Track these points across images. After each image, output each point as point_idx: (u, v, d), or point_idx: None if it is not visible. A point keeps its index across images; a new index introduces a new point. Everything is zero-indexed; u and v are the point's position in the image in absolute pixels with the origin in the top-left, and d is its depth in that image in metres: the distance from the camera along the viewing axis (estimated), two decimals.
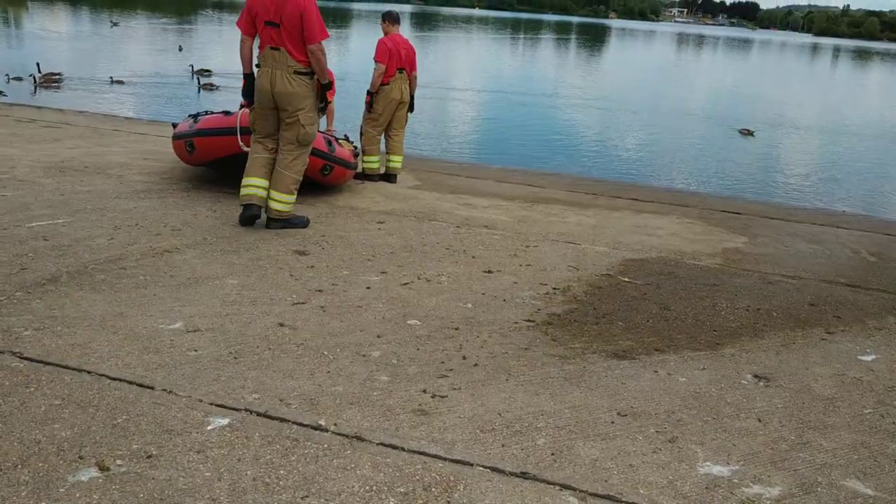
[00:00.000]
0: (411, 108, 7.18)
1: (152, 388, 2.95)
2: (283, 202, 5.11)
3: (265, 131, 5.00)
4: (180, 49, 22.76)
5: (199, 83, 15.59)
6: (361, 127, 7.15)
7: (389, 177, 7.21)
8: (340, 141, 6.54)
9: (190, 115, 6.35)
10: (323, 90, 4.90)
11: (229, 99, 12.95)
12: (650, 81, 25.95)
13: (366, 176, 7.10)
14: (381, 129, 7.13)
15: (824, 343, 3.92)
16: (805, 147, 13.59)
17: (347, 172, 6.33)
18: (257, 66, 4.87)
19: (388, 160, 7.20)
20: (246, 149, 5.45)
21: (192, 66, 17.32)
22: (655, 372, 3.46)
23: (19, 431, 2.59)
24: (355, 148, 6.80)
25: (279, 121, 4.95)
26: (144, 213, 5.38)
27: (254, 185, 4.99)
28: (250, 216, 4.98)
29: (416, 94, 7.25)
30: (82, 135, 8.32)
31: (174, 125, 6.52)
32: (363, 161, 7.16)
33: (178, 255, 4.52)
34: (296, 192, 5.17)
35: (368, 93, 6.95)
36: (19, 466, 2.41)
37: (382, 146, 7.23)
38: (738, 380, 3.42)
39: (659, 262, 5.16)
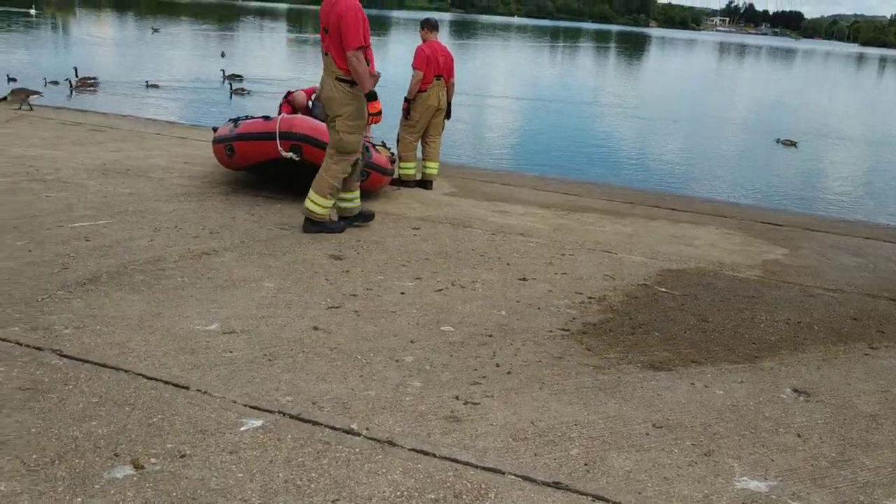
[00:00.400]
0: (448, 115, 7.22)
1: (187, 388, 2.97)
2: (318, 204, 5.20)
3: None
4: (223, 55, 23.01)
5: (230, 88, 15.74)
6: (398, 133, 7.20)
7: (425, 183, 7.26)
8: (377, 147, 6.59)
9: (230, 120, 6.42)
10: (367, 99, 4.98)
11: (260, 105, 13.15)
12: (690, 91, 25.63)
13: (402, 182, 7.14)
14: (418, 135, 7.19)
15: (868, 358, 3.85)
16: (849, 159, 13.34)
17: (384, 179, 6.38)
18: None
19: (425, 166, 7.25)
20: (286, 154, 5.62)
21: (224, 72, 17.42)
22: (692, 384, 3.43)
23: (57, 428, 2.62)
24: (392, 154, 6.83)
25: None
26: (184, 215, 5.43)
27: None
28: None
29: (454, 101, 7.32)
30: (125, 138, 8.46)
31: (214, 129, 6.63)
32: (399, 167, 7.17)
33: (215, 257, 4.57)
34: (332, 198, 5.24)
35: (406, 99, 7.02)
36: (56, 462, 2.43)
37: (419, 153, 7.29)
38: (778, 394, 3.36)
39: (697, 273, 5.12)
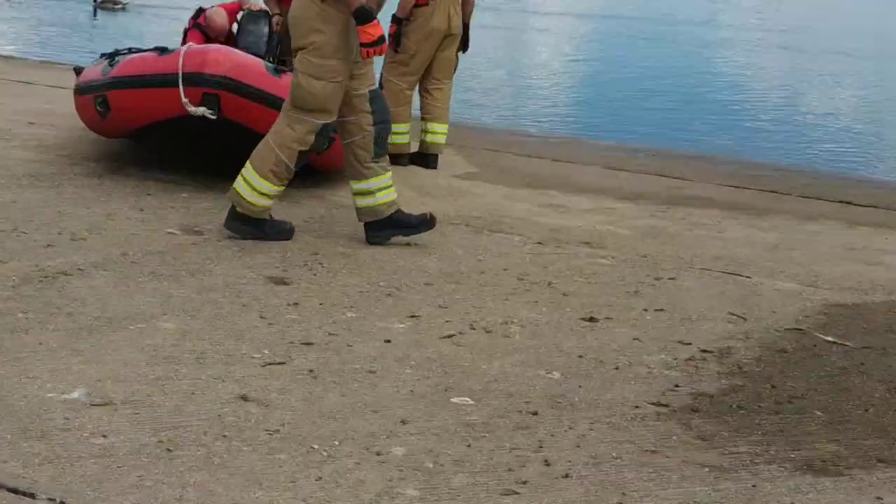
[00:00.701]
0: (464, 46, 7.54)
1: (33, 495, 2.99)
2: (253, 189, 5.51)
3: None
4: None
5: (94, 1, 16.26)
6: (381, 76, 7.37)
7: (426, 158, 7.65)
8: None
9: (103, 56, 6.66)
10: (358, 22, 5.26)
11: (149, 29, 13.96)
12: (874, 7, 24.94)
13: (389, 156, 7.09)
14: (414, 79, 7.50)
15: None
16: None
17: None
18: None
19: (426, 131, 7.59)
20: (194, 110, 5.97)
21: None
22: (878, 499, 3.47)
23: None
24: None
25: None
26: (29, 211, 5.63)
27: None
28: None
29: (473, 21, 7.58)
30: None
31: (77, 71, 6.88)
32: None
33: (79, 279, 4.69)
34: (280, 183, 5.54)
35: (394, 19, 7.31)
36: None
37: (415, 108, 7.64)
38: None
39: (886, 311, 5.23)
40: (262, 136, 5.56)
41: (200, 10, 7.49)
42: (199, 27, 7.39)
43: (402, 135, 7.65)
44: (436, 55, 7.56)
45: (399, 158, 7.47)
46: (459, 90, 9.38)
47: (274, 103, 5.82)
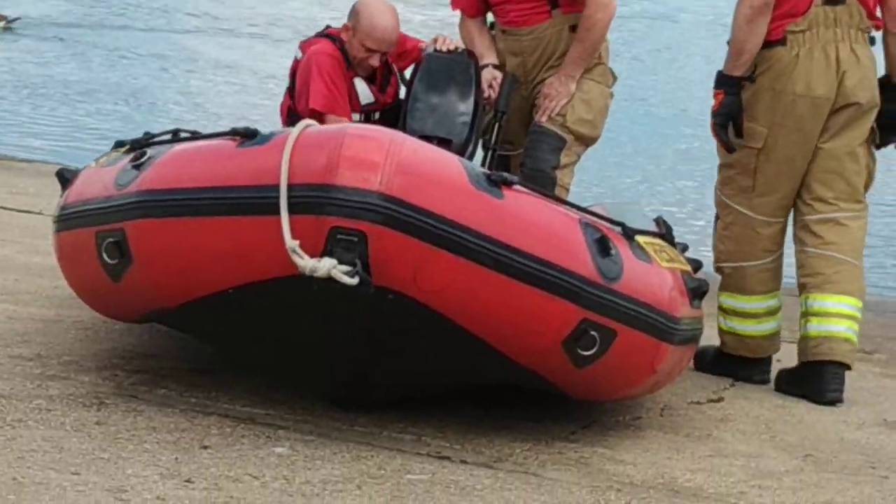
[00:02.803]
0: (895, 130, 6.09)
1: None
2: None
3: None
4: None
5: None
6: (717, 193, 6.21)
7: (816, 376, 5.93)
8: (655, 246, 5.21)
9: (122, 146, 5.33)
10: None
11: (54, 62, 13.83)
12: None
13: (723, 361, 6.09)
14: (773, 202, 6.01)
15: None
16: None
17: (666, 355, 5.03)
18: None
19: (808, 313, 5.93)
20: (309, 263, 4.27)
21: None
22: None
23: None
24: (694, 265, 5.56)
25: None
26: None
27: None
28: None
29: None
30: None
31: (65, 178, 5.53)
32: (720, 312, 6.12)
33: None
34: None
35: (727, 80, 5.96)
36: None
37: (790, 263, 6.31)
38: None
39: None
40: (468, 333, 4.37)
41: (331, 37, 5.65)
42: (345, 61, 5.58)
43: (755, 315, 6.01)
44: (816, 150, 5.87)
45: (751, 366, 5.97)
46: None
47: (489, 256, 4.36)
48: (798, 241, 5.88)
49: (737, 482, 4.55)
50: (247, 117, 11.41)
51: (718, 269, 5.98)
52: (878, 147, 5.96)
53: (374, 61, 5.51)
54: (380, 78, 5.65)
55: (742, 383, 5.84)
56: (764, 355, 5.96)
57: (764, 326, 5.88)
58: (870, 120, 5.81)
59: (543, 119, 5.66)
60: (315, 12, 19.36)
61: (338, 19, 6.20)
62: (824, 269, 5.77)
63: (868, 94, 5.78)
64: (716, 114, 5.74)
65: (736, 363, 5.94)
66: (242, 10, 21.57)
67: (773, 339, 5.96)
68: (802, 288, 5.85)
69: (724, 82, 5.75)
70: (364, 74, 5.59)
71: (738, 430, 5.14)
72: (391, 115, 5.72)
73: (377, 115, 5.71)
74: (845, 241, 5.81)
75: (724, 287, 5.97)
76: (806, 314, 5.78)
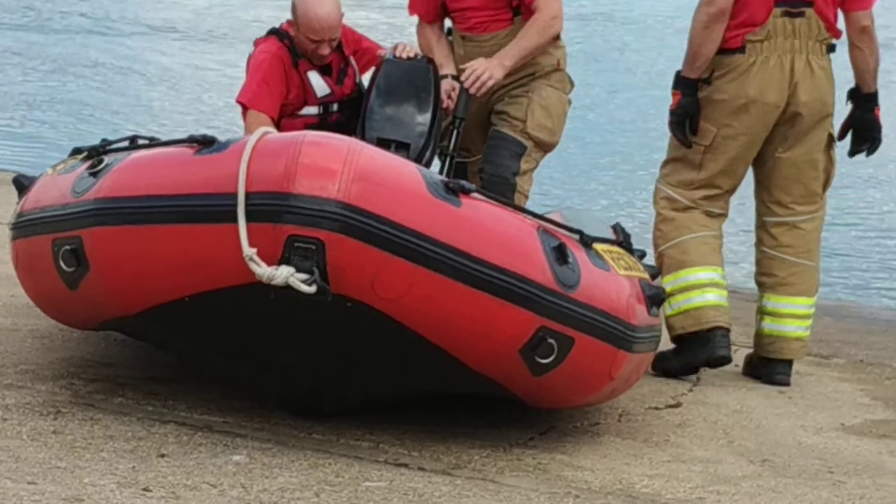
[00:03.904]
0: (865, 138, 6.21)
1: None
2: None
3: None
4: None
5: None
6: (657, 189, 6.41)
7: (769, 369, 6.21)
8: (613, 254, 5.27)
9: (79, 153, 5.31)
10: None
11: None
12: None
13: (680, 352, 6.15)
14: (710, 195, 6.23)
15: None
16: None
17: (624, 362, 5.08)
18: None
19: (764, 311, 6.19)
20: (266, 271, 4.35)
21: None
22: None
23: None
24: (652, 273, 5.62)
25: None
26: None
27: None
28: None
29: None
30: None
31: (21, 185, 5.54)
32: (666, 305, 6.00)
33: None
34: None
35: (683, 81, 6.10)
36: None
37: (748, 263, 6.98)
38: None
39: None
40: (426, 341, 4.39)
41: (279, 34, 5.71)
42: (296, 63, 5.59)
43: (699, 300, 6.07)
44: (772, 155, 6.08)
45: (689, 358, 6.01)
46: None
47: (447, 264, 4.39)
48: (757, 240, 6.13)
49: (695, 488, 4.60)
50: (204, 124, 11.53)
51: (659, 258, 6.14)
52: (850, 155, 6.21)
53: (324, 50, 5.56)
54: (336, 69, 5.70)
55: (700, 389, 5.89)
56: (711, 325, 6.03)
57: (707, 297, 5.99)
58: (825, 128, 5.99)
59: (471, 85, 5.61)
60: (265, 14, 19.60)
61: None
62: (778, 271, 5.99)
63: (819, 105, 5.97)
64: (673, 112, 5.94)
65: (692, 347, 6.05)
66: (193, 14, 21.64)
67: (720, 310, 6.06)
68: (759, 285, 6.14)
69: (681, 83, 5.95)
70: (319, 65, 5.65)
71: (696, 436, 5.22)
72: (351, 106, 5.78)
73: (335, 107, 5.76)
74: (800, 244, 6.01)
75: (666, 271, 6.11)
76: (761, 312, 6.06)
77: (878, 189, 13.30)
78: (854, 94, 6.25)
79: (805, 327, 6.19)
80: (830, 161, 6.20)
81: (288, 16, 5.89)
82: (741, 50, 5.91)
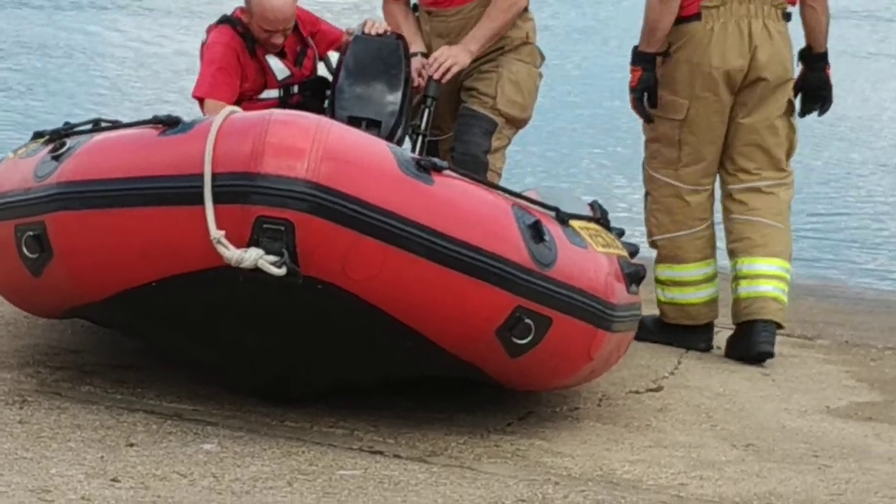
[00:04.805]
0: (818, 99, 6.29)
1: None
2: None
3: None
4: None
5: None
6: (644, 171, 6.41)
7: (747, 338, 6.18)
8: (591, 231, 5.20)
9: (40, 137, 5.32)
10: None
11: None
12: None
13: (665, 329, 6.28)
14: (699, 170, 6.26)
15: None
16: None
17: (603, 342, 5.07)
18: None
19: (738, 276, 6.25)
20: (234, 254, 4.33)
21: None
22: None
23: None
24: (629, 250, 5.54)
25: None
26: None
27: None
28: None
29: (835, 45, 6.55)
30: None
31: None
32: (657, 285, 6.28)
33: None
34: None
35: (640, 55, 6.17)
36: None
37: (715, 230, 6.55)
38: None
39: None
40: (399, 323, 4.40)
41: (232, 21, 5.69)
42: (252, 50, 5.55)
43: (693, 283, 6.21)
44: (732, 121, 6.16)
45: (689, 333, 6.17)
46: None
47: (419, 243, 4.36)
48: (725, 210, 6.16)
49: (677, 473, 4.58)
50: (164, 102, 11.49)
51: (653, 244, 6.20)
52: (801, 115, 6.24)
53: (277, 39, 5.58)
54: (294, 52, 5.72)
55: (682, 372, 5.90)
56: (704, 321, 6.18)
57: (702, 293, 6.10)
58: (785, 94, 6.07)
59: (435, 72, 5.60)
60: None
61: None
62: (751, 233, 6.05)
63: (780, 68, 6.06)
64: (634, 89, 6.02)
65: (679, 332, 6.17)
66: None
67: (712, 305, 6.18)
68: (732, 253, 6.15)
69: (641, 58, 6.01)
70: (273, 52, 5.68)
71: (677, 420, 5.22)
72: (312, 87, 5.78)
73: (296, 89, 5.77)
74: (769, 207, 6.09)
75: (660, 259, 6.20)
76: (736, 278, 6.08)
77: (864, 168, 13.32)
78: (805, 55, 6.29)
79: (782, 290, 6.21)
80: (791, 128, 6.24)
81: None
82: (697, 17, 5.97)
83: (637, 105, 6.17)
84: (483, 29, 5.60)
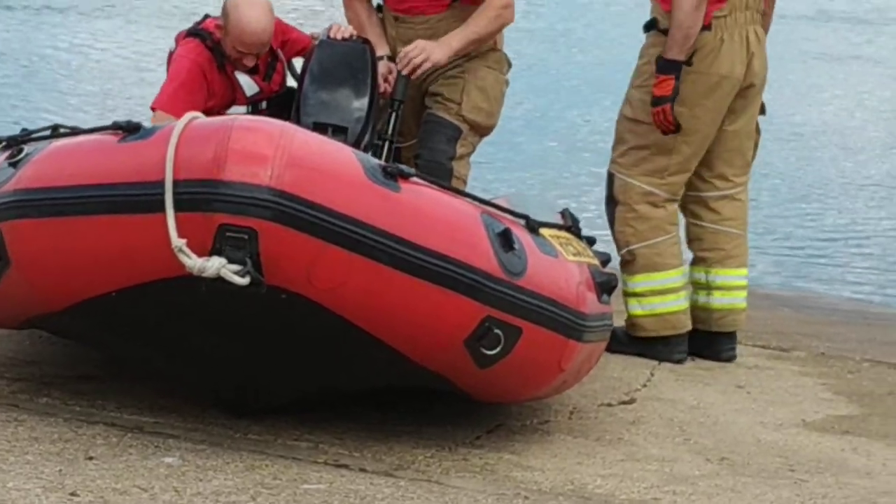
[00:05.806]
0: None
1: None
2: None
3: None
4: None
5: None
6: (611, 170, 6.41)
7: (715, 344, 6.34)
8: (561, 239, 5.18)
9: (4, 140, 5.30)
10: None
11: None
12: None
13: (639, 342, 6.30)
14: (683, 179, 6.29)
15: None
16: None
17: (574, 353, 5.02)
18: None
19: (711, 286, 6.37)
20: (196, 262, 4.28)
21: None
22: None
23: None
24: (603, 259, 5.54)
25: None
26: None
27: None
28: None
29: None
30: None
31: None
32: (632, 299, 6.30)
33: None
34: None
35: (670, 64, 6.09)
36: None
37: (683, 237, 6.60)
38: None
39: None
40: (365, 333, 4.34)
41: (202, 35, 5.65)
42: (221, 65, 5.52)
43: (663, 292, 6.21)
44: (723, 129, 6.21)
45: (659, 345, 6.14)
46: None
47: (385, 252, 4.32)
48: (692, 214, 6.25)
49: (650, 487, 4.56)
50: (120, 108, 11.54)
51: (627, 254, 6.17)
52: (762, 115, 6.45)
53: (249, 61, 5.54)
54: (263, 67, 5.68)
55: (655, 384, 5.88)
56: (684, 330, 6.18)
57: (682, 301, 6.16)
58: (761, 97, 6.26)
59: (404, 67, 5.55)
60: None
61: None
62: (724, 244, 6.18)
63: (764, 73, 6.25)
64: (664, 98, 5.92)
65: (652, 344, 6.17)
66: None
67: (688, 313, 6.24)
68: (702, 261, 6.26)
69: (672, 67, 5.94)
70: (243, 70, 5.64)
71: (650, 433, 5.19)
72: (280, 102, 5.73)
73: (265, 105, 5.71)
74: (738, 217, 6.26)
75: (636, 270, 6.16)
76: (708, 287, 6.21)
77: (840, 178, 13.21)
78: None
79: (744, 298, 6.40)
80: (758, 130, 6.41)
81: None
82: (707, 27, 6.01)
83: (665, 114, 6.08)
84: (467, 31, 5.56)
